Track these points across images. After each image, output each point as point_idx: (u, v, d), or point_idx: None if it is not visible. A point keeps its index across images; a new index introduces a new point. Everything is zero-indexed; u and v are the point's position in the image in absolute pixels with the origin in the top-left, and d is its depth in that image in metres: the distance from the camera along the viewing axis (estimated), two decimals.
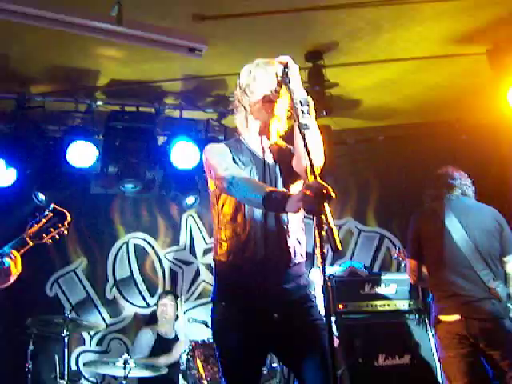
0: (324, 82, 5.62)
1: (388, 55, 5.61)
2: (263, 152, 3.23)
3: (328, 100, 5.71)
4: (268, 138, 3.24)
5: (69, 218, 3.50)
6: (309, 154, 2.65)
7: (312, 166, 2.61)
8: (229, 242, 3.12)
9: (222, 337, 3.14)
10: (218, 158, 3.17)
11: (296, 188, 3.06)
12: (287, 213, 2.88)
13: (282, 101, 3.14)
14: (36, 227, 3.52)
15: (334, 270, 5.78)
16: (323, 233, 2.44)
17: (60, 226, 3.47)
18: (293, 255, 3.10)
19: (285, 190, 3.03)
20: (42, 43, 5.09)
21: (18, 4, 3.82)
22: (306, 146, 2.68)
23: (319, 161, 2.97)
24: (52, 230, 3.47)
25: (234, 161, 3.16)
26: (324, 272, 2.46)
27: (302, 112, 2.89)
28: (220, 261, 3.17)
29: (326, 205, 2.45)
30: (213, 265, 3.28)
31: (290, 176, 3.17)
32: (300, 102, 2.92)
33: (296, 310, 3.08)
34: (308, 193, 2.51)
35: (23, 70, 5.60)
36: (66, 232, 3.48)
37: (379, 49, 5.49)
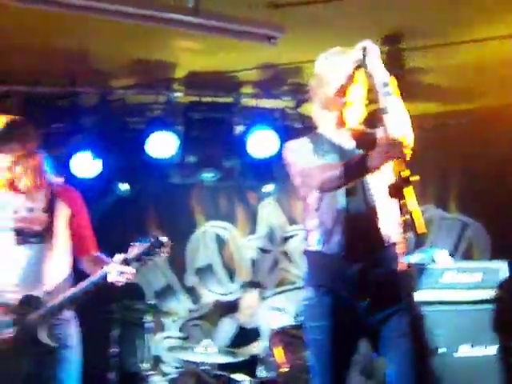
0: (402, 66, 5.54)
1: (468, 37, 5.47)
2: (342, 140, 3.23)
3: (407, 84, 5.61)
4: (346, 126, 3.23)
5: (168, 246, 3.59)
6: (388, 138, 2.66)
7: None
8: (316, 230, 3.15)
9: (312, 323, 3.17)
10: (296, 154, 3.21)
11: (379, 173, 3.02)
12: (372, 171, 2.86)
13: (361, 87, 3.13)
14: (137, 251, 3.56)
15: (416, 257, 5.70)
16: (406, 217, 2.43)
17: (159, 251, 3.55)
18: (383, 237, 3.07)
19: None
20: (121, 38, 5.20)
21: (97, 0, 3.91)
22: (385, 130, 2.68)
23: (410, 138, 2.94)
24: (151, 256, 3.56)
25: (314, 153, 3.17)
26: (407, 259, 2.45)
27: (385, 94, 2.89)
28: (310, 250, 3.21)
29: (408, 188, 2.44)
30: (300, 250, 3.31)
31: None
32: (383, 83, 2.91)
33: (387, 298, 3.06)
34: (390, 144, 2.50)
35: (104, 65, 5.75)
36: (164, 256, 3.61)
37: (459, 31, 5.35)
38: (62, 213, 3.67)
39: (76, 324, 3.71)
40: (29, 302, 3.52)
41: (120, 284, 3.53)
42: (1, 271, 3.54)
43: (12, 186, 3.60)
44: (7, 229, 3.54)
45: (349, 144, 3.22)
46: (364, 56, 2.99)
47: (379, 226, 3.08)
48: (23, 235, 3.54)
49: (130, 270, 3.50)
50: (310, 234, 3.20)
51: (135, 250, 3.57)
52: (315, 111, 3.31)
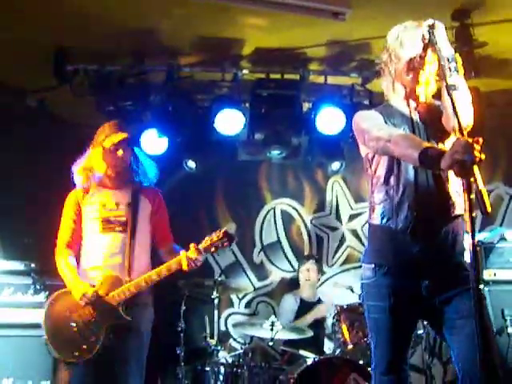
0: (472, 41, 5.40)
1: None
2: (412, 113, 3.20)
3: (477, 60, 5.49)
4: (416, 100, 3.20)
5: (234, 241, 4.10)
6: (456, 114, 2.62)
7: (460, 126, 2.59)
8: (382, 204, 3.14)
9: (370, 301, 3.18)
10: (370, 121, 3.19)
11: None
12: (441, 170, 2.82)
13: (430, 63, 3.09)
14: (209, 242, 3.99)
15: (484, 236, 5.60)
16: (472, 196, 2.40)
17: (225, 245, 4.03)
18: (452, 207, 3.05)
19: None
20: (189, 16, 5.24)
21: None
22: (453, 106, 2.64)
23: (468, 120, 2.91)
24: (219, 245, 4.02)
25: (386, 123, 3.15)
26: (473, 238, 2.42)
27: (450, 70, 2.86)
28: (373, 224, 3.20)
29: (475, 167, 2.41)
30: (366, 228, 3.30)
31: (440, 135, 3.11)
32: (447, 59, 2.88)
33: (450, 279, 3.04)
34: (456, 149, 2.47)
35: (172, 42, 5.79)
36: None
37: None
38: (145, 209, 4.18)
39: (151, 311, 4.12)
40: (110, 281, 3.96)
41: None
42: (88, 254, 4.08)
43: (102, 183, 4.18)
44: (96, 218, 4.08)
45: (417, 117, 3.21)
46: (430, 33, 2.96)
47: (447, 202, 3.05)
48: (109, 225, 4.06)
49: (200, 258, 3.96)
50: (375, 208, 3.19)
51: (207, 242, 3.99)
52: (386, 85, 3.29)
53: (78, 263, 4.11)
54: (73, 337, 3.88)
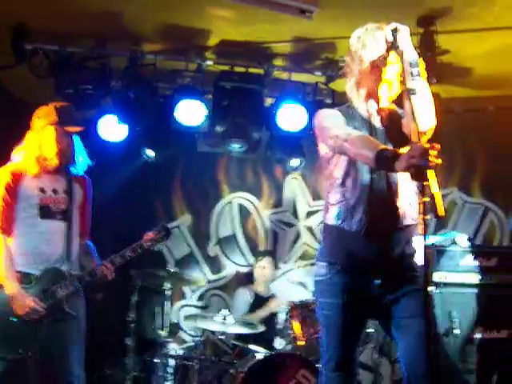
0: (435, 48, 5.46)
1: (503, 22, 5.37)
2: (373, 117, 3.23)
3: (438, 67, 5.56)
4: (378, 104, 3.22)
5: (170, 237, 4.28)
6: (414, 119, 2.66)
7: (418, 130, 2.63)
8: (338, 205, 3.16)
9: (323, 298, 3.22)
10: (331, 119, 3.20)
11: None
12: (396, 172, 2.86)
13: (393, 66, 3.11)
14: (150, 237, 4.10)
15: (436, 239, 5.68)
16: (426, 199, 2.43)
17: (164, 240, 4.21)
18: (402, 217, 3.09)
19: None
20: (157, 3, 5.18)
21: None
22: (412, 110, 2.68)
23: (429, 125, 2.94)
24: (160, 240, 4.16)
25: (347, 124, 3.16)
26: (425, 240, 2.46)
27: (412, 74, 2.88)
28: (328, 224, 3.22)
29: (430, 171, 2.44)
30: (321, 228, 3.33)
31: (399, 141, 3.13)
32: (410, 63, 2.90)
33: (400, 279, 3.10)
34: (412, 153, 2.50)
35: (137, 28, 5.71)
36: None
37: (494, 15, 5.25)
38: (78, 197, 4.12)
39: (83, 297, 4.06)
40: (52, 274, 3.89)
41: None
42: (23, 240, 3.92)
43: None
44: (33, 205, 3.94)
45: (377, 121, 3.23)
46: (394, 37, 2.97)
47: (400, 206, 3.09)
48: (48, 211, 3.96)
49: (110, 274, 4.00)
50: (330, 208, 3.22)
51: (148, 238, 4.09)
52: (349, 87, 3.30)
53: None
54: (14, 332, 3.77)
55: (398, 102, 3.19)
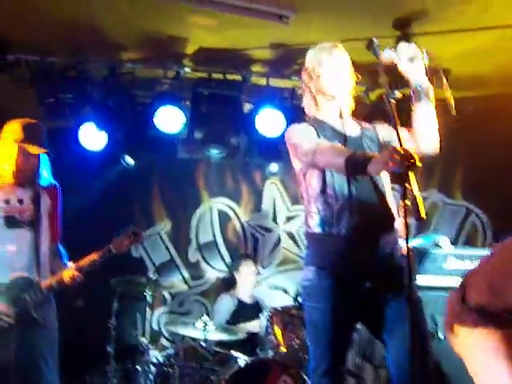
0: None
1: (480, 23, 5.41)
2: (344, 127, 3.29)
3: None
4: (341, 115, 3.30)
5: (142, 238, 4.37)
6: (395, 126, 2.68)
7: (398, 136, 2.66)
8: (322, 213, 3.18)
9: (311, 302, 3.22)
10: (301, 134, 3.26)
11: None
12: (368, 175, 2.90)
13: (348, 80, 3.25)
14: (118, 241, 4.14)
15: (418, 242, 5.70)
16: (407, 202, 2.45)
17: (135, 243, 4.26)
18: (389, 219, 3.14)
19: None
20: (134, 11, 5.17)
21: None
22: (393, 116, 2.72)
23: (430, 146, 3.30)
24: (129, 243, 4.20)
25: (318, 137, 3.20)
26: (407, 243, 2.48)
27: (419, 97, 3.20)
28: (312, 232, 3.24)
29: (410, 174, 2.46)
30: (305, 234, 3.34)
31: (371, 149, 3.19)
32: (419, 86, 3.18)
33: (390, 282, 3.11)
34: (395, 156, 2.52)
35: (115, 37, 5.70)
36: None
37: (470, 17, 5.29)
38: (46, 204, 4.14)
39: (53, 305, 4.10)
40: (21, 282, 3.92)
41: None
42: None
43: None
44: None
45: (347, 130, 3.28)
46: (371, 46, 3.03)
47: (386, 207, 3.12)
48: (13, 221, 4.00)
49: (78, 276, 4.02)
50: (311, 216, 3.23)
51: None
52: (307, 103, 3.41)
53: None
54: None
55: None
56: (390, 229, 3.15)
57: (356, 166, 2.78)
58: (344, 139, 3.21)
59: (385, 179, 3.16)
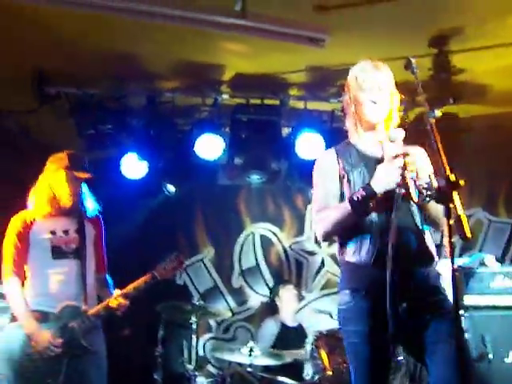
0: (450, 68, 5.47)
1: None
2: (375, 150, 3.23)
3: (454, 87, 5.56)
4: (380, 137, 3.23)
5: (183, 266, 4.64)
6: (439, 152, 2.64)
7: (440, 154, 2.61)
8: (352, 242, 3.16)
9: (347, 325, 3.18)
10: (319, 187, 3.33)
11: None
12: (376, 194, 2.93)
13: (392, 100, 3.20)
14: (162, 267, 4.28)
15: (463, 261, 5.61)
16: (452, 221, 2.42)
17: (179, 269, 4.42)
18: (421, 241, 3.10)
19: None
20: (170, 41, 5.25)
21: (147, 4, 3.97)
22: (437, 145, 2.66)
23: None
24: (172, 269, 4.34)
25: (344, 168, 3.22)
26: (452, 263, 2.43)
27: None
28: (344, 259, 3.22)
29: (454, 192, 2.43)
30: (338, 260, 3.32)
31: None
32: None
33: (425, 302, 3.06)
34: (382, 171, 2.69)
35: (153, 67, 5.80)
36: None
37: (507, 31, 5.26)
38: (90, 235, 4.28)
39: (101, 333, 4.18)
40: (69, 311, 4.00)
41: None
42: (38, 282, 4.07)
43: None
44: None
45: (380, 153, 3.22)
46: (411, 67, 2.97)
47: (417, 232, 3.11)
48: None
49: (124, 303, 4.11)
50: (340, 245, 3.25)
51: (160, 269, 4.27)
52: (349, 124, 3.38)
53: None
54: (35, 370, 3.85)
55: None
56: (425, 248, 3.11)
57: (360, 199, 2.82)
58: (374, 163, 3.14)
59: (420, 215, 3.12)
